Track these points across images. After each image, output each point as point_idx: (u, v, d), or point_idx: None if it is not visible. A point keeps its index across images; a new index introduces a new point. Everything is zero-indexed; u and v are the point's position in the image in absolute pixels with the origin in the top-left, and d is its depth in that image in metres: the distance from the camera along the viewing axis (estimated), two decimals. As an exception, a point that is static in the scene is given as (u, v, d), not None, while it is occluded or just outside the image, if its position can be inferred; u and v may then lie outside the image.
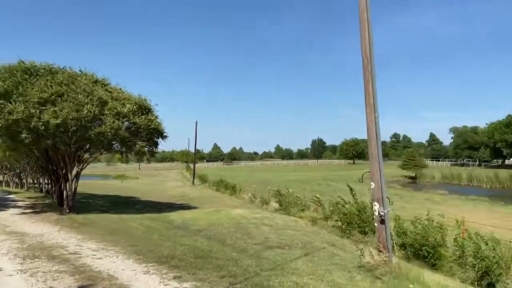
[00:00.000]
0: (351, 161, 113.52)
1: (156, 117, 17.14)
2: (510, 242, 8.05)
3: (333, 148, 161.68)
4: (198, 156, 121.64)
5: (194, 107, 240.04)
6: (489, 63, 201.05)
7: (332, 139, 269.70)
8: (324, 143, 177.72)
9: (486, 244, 7.56)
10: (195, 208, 21.95)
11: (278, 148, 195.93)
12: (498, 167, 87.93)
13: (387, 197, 6.97)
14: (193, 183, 47.99)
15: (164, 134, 17.89)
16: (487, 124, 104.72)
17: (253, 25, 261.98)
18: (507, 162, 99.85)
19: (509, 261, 7.40)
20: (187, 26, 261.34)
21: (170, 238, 9.54)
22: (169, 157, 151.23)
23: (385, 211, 6.75)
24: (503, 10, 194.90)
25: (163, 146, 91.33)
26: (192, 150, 63.43)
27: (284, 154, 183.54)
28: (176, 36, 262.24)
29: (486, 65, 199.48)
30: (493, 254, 7.27)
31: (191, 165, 59.86)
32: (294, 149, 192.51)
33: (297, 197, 18.08)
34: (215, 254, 7.50)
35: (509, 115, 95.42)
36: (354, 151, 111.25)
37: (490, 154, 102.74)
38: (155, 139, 17.89)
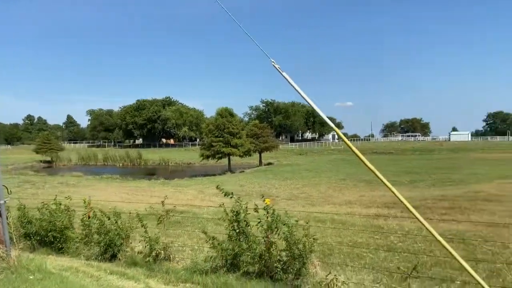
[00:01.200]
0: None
1: None
2: (130, 213, 9.19)
3: None
4: None
5: None
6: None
7: None
8: None
9: (109, 219, 8.21)
10: None
11: None
12: (130, 146, 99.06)
13: (4, 186, 6.24)
14: None
15: None
16: (120, 108, 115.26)
17: None
18: (137, 142, 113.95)
19: (128, 230, 8.41)
20: None
21: None
22: None
23: (1, 202, 6.04)
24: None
25: None
26: None
27: None
28: None
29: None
30: (114, 227, 8.00)
31: None
32: None
33: None
34: None
35: (138, 100, 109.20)
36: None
37: (123, 135, 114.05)
38: None
